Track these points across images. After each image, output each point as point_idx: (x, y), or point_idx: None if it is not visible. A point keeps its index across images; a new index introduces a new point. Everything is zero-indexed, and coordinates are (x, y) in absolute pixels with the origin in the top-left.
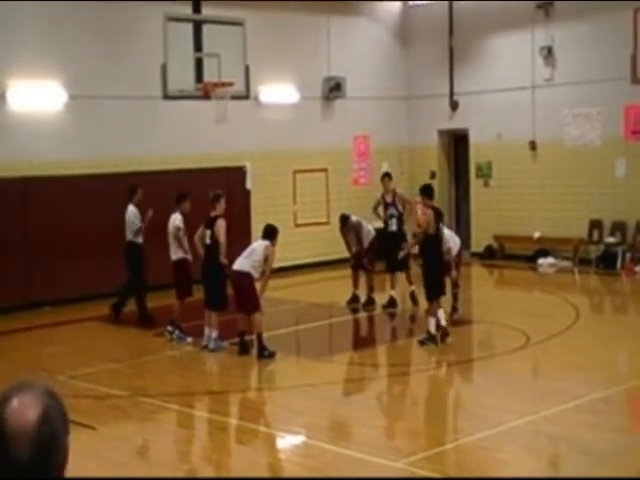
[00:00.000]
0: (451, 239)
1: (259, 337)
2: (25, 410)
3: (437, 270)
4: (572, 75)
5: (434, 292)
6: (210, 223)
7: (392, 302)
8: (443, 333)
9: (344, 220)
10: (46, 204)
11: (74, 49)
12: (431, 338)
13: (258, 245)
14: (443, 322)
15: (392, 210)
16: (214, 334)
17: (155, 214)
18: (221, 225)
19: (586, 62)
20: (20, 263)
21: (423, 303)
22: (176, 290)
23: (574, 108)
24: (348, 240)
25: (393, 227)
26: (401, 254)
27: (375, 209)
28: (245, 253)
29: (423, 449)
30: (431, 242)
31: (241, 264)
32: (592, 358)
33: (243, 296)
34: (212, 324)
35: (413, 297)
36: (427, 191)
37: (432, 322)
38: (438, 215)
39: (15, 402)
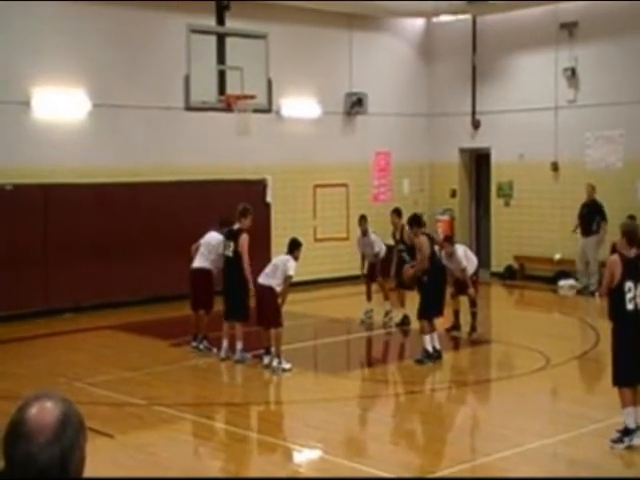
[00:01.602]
0: (466, 258)
1: (277, 352)
2: (45, 413)
3: (432, 291)
4: (595, 97)
5: (425, 312)
6: (233, 235)
7: (405, 320)
8: (437, 355)
9: (363, 219)
10: (67, 211)
11: (98, 58)
12: (428, 356)
13: (280, 262)
14: (437, 344)
15: (401, 246)
16: (239, 345)
17: (174, 223)
18: (245, 239)
19: (609, 84)
20: (41, 270)
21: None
22: (204, 301)
23: (596, 130)
24: (365, 251)
25: (406, 259)
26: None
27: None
28: (268, 269)
29: (440, 468)
30: (430, 265)
31: (266, 279)
32: (611, 382)
33: (265, 310)
34: (238, 335)
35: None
36: (416, 220)
37: (427, 340)
38: (431, 240)
39: (35, 406)
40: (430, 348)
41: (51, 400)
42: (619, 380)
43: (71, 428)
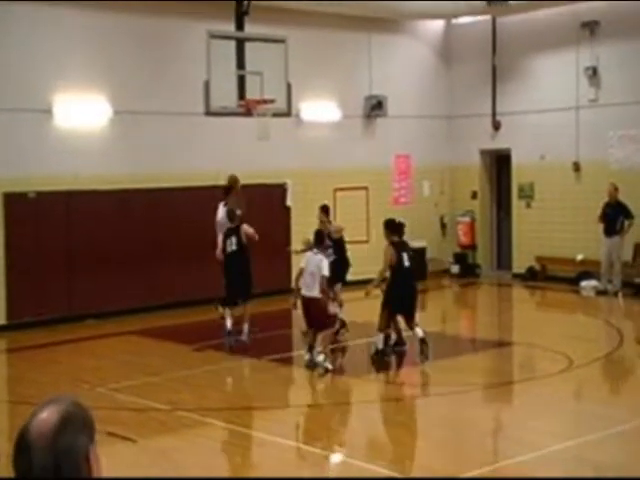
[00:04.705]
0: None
1: (324, 349)
2: (46, 420)
3: (387, 300)
4: (617, 96)
5: (387, 302)
6: (233, 231)
7: None
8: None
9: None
10: (89, 218)
11: (119, 66)
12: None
13: (316, 268)
14: (380, 345)
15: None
16: (246, 328)
17: (195, 228)
18: (247, 226)
19: (632, 82)
20: (64, 276)
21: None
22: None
23: (619, 129)
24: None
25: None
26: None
27: None
28: (308, 280)
29: (462, 471)
30: (395, 273)
31: (309, 291)
32: (636, 383)
33: (315, 317)
34: (246, 317)
35: None
36: (389, 226)
37: (380, 338)
38: (398, 247)
39: (39, 414)
40: (381, 346)
41: (55, 405)
42: None
43: (71, 432)
